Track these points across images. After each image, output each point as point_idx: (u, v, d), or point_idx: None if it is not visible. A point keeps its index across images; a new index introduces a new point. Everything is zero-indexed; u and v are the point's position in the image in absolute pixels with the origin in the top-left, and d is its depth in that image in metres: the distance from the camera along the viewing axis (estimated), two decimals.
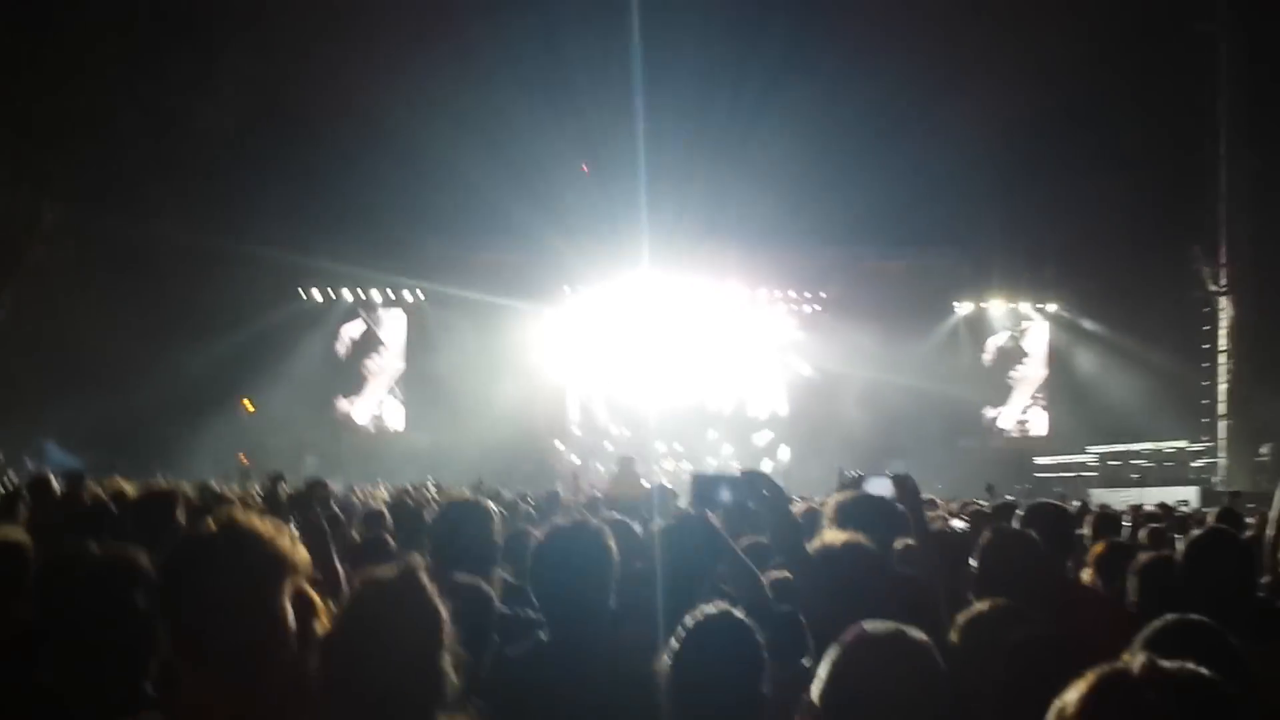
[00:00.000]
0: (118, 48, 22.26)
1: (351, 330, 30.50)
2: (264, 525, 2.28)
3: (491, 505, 4.42)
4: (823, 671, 2.17)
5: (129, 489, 6.70)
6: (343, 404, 30.41)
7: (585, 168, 26.83)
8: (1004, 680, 2.41)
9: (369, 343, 30.65)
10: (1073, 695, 1.61)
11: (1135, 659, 1.63)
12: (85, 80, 22.01)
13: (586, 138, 25.83)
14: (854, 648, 2.19)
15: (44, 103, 21.65)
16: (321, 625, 2.42)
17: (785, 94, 24.32)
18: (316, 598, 2.43)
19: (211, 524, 2.30)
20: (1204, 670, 1.63)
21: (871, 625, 2.25)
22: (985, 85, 24.70)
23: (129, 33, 22.45)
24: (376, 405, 30.70)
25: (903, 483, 4.10)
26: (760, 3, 26.27)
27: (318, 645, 2.37)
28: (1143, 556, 4.32)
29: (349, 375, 30.48)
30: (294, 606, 2.27)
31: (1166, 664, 1.62)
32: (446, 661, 2.38)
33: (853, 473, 4.25)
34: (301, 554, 2.29)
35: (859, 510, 4.13)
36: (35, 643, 2.96)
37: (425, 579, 2.44)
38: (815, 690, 2.16)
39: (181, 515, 4.92)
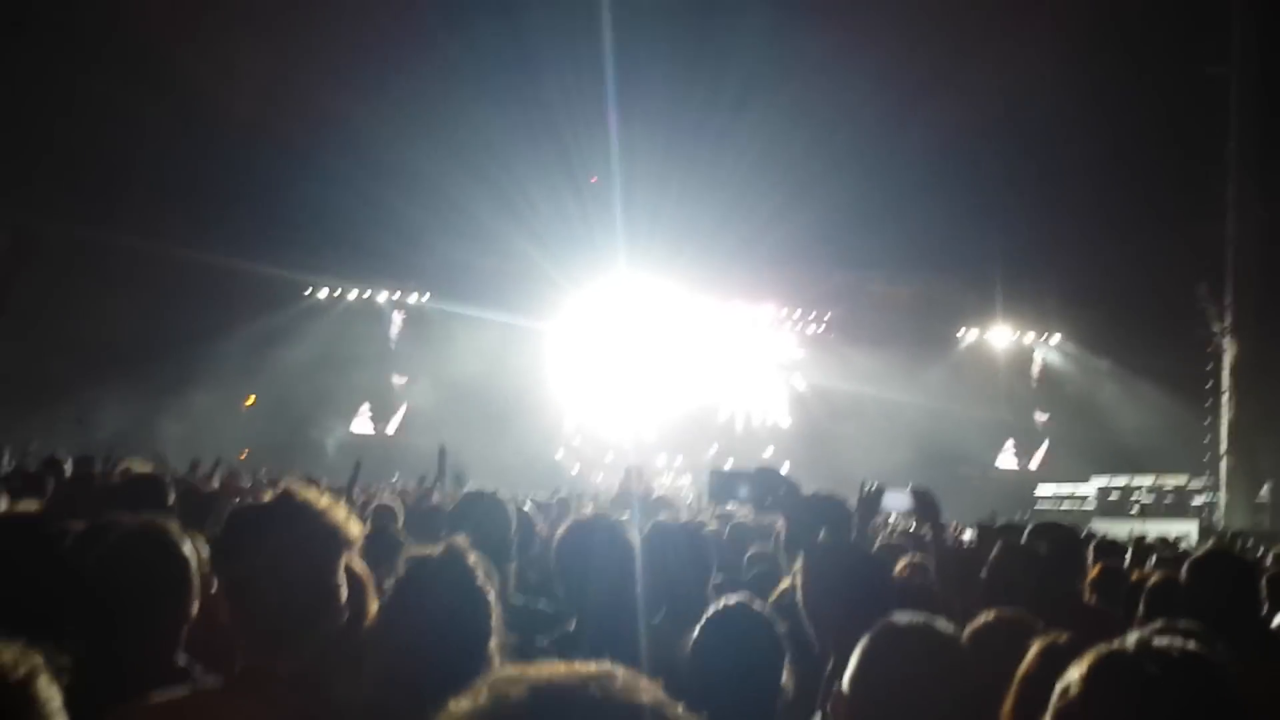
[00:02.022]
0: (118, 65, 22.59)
1: (355, 330, 30.59)
2: (318, 498, 2.32)
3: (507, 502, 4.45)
4: (853, 661, 2.22)
5: (138, 469, 6.74)
6: (342, 404, 30.47)
7: (594, 179, 26.92)
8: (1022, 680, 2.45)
9: (373, 343, 30.75)
10: (1074, 674, 1.70)
11: (1129, 639, 1.72)
12: (87, 101, 22.34)
13: (588, 154, 25.94)
14: (883, 638, 2.23)
15: (46, 125, 22.05)
16: (370, 600, 2.46)
17: (796, 120, 24.47)
18: (366, 572, 2.47)
19: (267, 495, 2.34)
20: (1194, 645, 1.71)
21: (900, 617, 2.29)
22: (998, 118, 24.83)
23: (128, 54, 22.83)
24: (378, 408, 30.74)
25: (923, 496, 4.14)
26: (759, 15, 26.15)
27: (369, 621, 2.41)
28: (1152, 578, 4.33)
29: (351, 375, 30.52)
30: (346, 580, 2.31)
31: (1159, 640, 1.70)
32: (492, 642, 2.41)
33: (874, 484, 4.28)
34: (354, 527, 2.32)
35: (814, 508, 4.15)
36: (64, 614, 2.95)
37: (470, 560, 2.48)
38: (845, 680, 2.21)
39: (171, 497, 4.94)
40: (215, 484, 9.63)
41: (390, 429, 30.26)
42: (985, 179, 25.89)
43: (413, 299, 30.42)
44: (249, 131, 23.97)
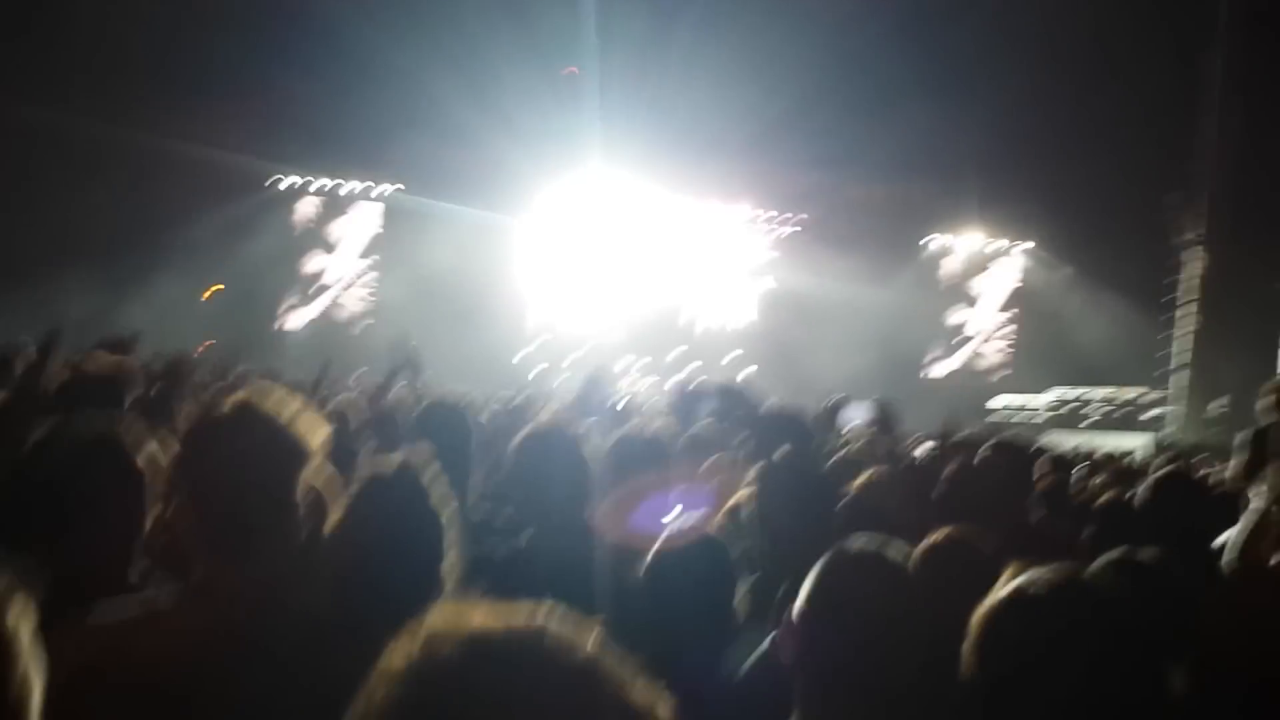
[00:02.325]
0: None
1: (319, 217, 30.32)
2: (281, 408, 2.32)
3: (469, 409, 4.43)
4: (803, 590, 2.24)
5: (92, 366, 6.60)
6: (306, 294, 30.31)
7: (574, 69, 26.52)
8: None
9: (336, 233, 30.50)
10: (986, 607, 1.80)
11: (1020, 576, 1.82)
12: None
13: (564, 42, 25.52)
14: (832, 567, 2.25)
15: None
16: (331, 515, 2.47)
17: (777, 13, 24.13)
18: (331, 482, 2.47)
19: (228, 405, 2.34)
20: (1081, 578, 1.81)
21: (851, 544, 2.31)
22: (976, 16, 24.51)
23: None
24: (341, 298, 30.57)
25: (884, 409, 4.17)
26: None
27: (325, 538, 2.42)
28: (1102, 498, 4.36)
29: (313, 264, 30.34)
30: (305, 494, 2.32)
31: (1044, 578, 1.82)
32: (445, 562, 2.43)
33: (834, 398, 4.31)
34: (317, 438, 2.33)
35: (778, 424, 4.19)
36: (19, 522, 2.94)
37: (426, 476, 2.48)
38: (795, 608, 2.23)
39: (129, 398, 4.87)
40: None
41: (353, 319, 30.00)
42: (963, 82, 25.62)
43: (379, 190, 30.08)
44: (216, 13, 23.40)
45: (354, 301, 30.40)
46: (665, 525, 3.16)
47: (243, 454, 2.24)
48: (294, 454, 2.29)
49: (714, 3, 24.52)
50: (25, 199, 23.27)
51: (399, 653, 1.03)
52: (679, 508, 3.38)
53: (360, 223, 30.40)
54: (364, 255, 30.40)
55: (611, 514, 3.39)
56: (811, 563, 2.30)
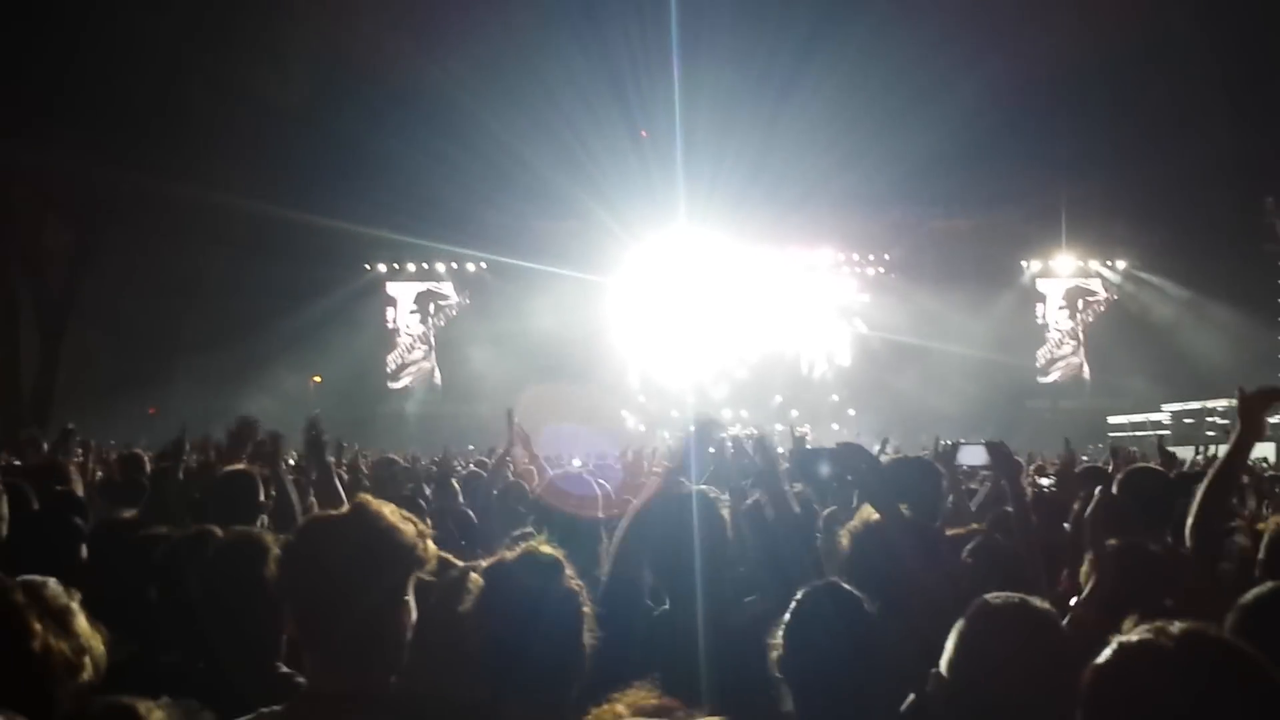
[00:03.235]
0: (184, 23, 22.68)
1: (416, 300, 30.99)
2: (392, 514, 2.27)
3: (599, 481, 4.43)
4: (950, 644, 2.20)
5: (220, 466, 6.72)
6: (406, 372, 30.87)
7: (644, 133, 26.84)
8: None
9: (433, 312, 31.11)
10: (1092, 669, 1.69)
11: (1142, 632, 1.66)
12: (152, 53, 22.37)
13: (641, 104, 25.86)
14: (979, 619, 2.22)
15: (115, 78, 22.04)
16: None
17: (844, 53, 24.08)
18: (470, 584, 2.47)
19: (339, 509, 2.33)
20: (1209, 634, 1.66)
21: (994, 597, 2.28)
22: (1053, 36, 24.26)
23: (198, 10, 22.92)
24: (439, 374, 31.08)
25: (997, 450, 4.07)
26: None
27: (461, 620, 2.41)
28: (1270, 526, 3.99)
29: (412, 344, 30.92)
30: (415, 595, 2.29)
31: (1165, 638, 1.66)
32: (584, 633, 2.42)
33: (948, 441, 4.25)
34: (430, 547, 2.29)
35: (904, 473, 4.11)
36: (159, 623, 3.05)
37: (563, 563, 2.48)
38: (943, 662, 2.20)
39: (263, 495, 4.94)
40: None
41: (453, 394, 30.35)
42: (1043, 104, 25.38)
43: (470, 266, 30.64)
44: (316, 97, 24.11)
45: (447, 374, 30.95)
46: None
47: (354, 560, 2.19)
48: (406, 559, 2.24)
49: (793, 55, 24.59)
50: (135, 306, 24.01)
51: None
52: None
53: (445, 298, 31.02)
54: (462, 325, 30.93)
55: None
56: (930, 616, 2.27)
